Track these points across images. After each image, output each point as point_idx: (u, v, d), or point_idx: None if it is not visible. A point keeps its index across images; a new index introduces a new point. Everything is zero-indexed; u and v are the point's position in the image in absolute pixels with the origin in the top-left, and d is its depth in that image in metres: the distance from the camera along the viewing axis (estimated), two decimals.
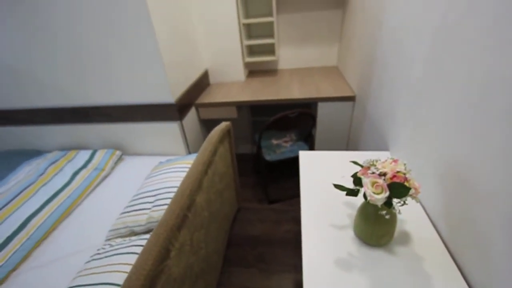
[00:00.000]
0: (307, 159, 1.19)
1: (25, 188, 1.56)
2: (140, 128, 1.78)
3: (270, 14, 2.01)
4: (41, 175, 1.66)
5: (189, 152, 1.84)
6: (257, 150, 1.94)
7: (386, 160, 0.70)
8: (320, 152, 1.24)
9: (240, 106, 1.98)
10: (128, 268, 0.87)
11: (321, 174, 1.09)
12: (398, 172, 0.65)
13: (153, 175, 1.42)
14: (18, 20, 1.47)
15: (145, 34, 1.41)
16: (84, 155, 1.79)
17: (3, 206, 1.44)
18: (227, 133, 1.51)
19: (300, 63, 2.41)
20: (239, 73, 2.23)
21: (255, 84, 2.15)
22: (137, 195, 1.31)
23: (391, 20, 1.15)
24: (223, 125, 1.47)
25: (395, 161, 0.69)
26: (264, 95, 1.91)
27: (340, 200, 0.94)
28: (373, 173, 0.68)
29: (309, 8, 2.13)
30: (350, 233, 0.83)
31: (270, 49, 2.25)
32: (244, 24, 2.05)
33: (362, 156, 1.13)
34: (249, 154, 2.62)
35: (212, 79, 2.27)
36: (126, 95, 1.65)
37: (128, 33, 1.43)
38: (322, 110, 1.85)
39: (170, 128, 1.72)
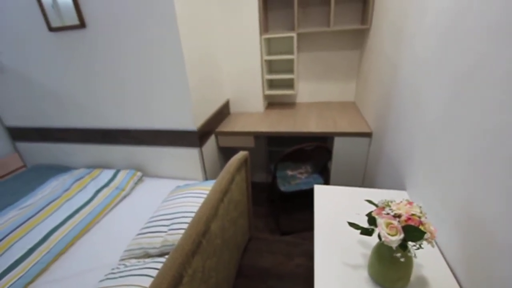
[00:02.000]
0: (322, 193, 1.20)
1: (50, 202, 1.65)
2: (162, 152, 1.87)
3: (291, 52, 2.14)
4: (66, 190, 1.76)
5: (206, 178, 1.90)
6: (272, 180, 1.97)
7: (401, 202, 0.71)
8: (335, 187, 1.25)
9: (257, 136, 2.04)
10: None
11: (336, 209, 1.10)
12: (413, 214, 0.66)
13: (170, 198, 1.47)
14: (64, 51, 1.67)
15: (178, 71, 1.55)
16: (107, 174, 1.89)
17: (29, 219, 1.52)
18: (244, 162, 1.55)
19: (318, 98, 2.49)
20: (259, 105, 2.34)
21: (273, 116, 2.23)
22: (153, 217, 1.35)
23: (406, 65, 1.21)
24: (241, 154, 1.52)
25: (410, 203, 0.70)
26: (282, 127, 1.97)
27: (355, 238, 0.94)
28: (388, 213, 0.69)
29: (329, 48, 2.26)
30: (364, 273, 0.82)
31: (289, 84, 2.36)
32: (266, 60, 2.19)
33: (378, 194, 1.14)
34: (264, 183, 2.64)
35: (232, 108, 2.39)
36: (154, 121, 1.76)
37: (162, 69, 1.57)
38: (338, 145, 1.87)
39: (190, 154, 1.80)
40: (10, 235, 1.41)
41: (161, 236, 1.19)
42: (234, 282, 1.62)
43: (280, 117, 2.18)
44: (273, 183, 1.99)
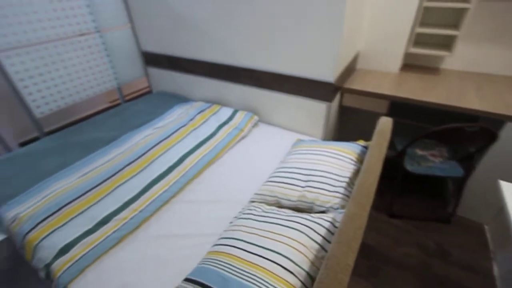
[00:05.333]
0: None
1: (179, 128, 1.77)
2: (284, 99, 1.75)
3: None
4: (191, 120, 1.86)
5: (324, 138, 1.75)
6: (398, 155, 1.70)
7: None
8: None
9: (393, 102, 1.73)
10: (297, 245, 0.84)
11: None
12: None
13: (298, 152, 1.38)
14: None
15: (334, 12, 1.31)
16: (226, 111, 1.91)
17: (164, 139, 1.66)
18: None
19: (474, 67, 1.94)
20: (395, 64, 1.95)
21: (412, 81, 1.84)
22: (283, 168, 1.29)
23: None
24: (388, 120, 1.29)
25: None
26: (431, 96, 1.61)
27: None
28: None
29: None
30: None
31: (445, 43, 1.86)
32: (425, 7, 1.72)
33: None
34: None
35: (360, 64, 2.06)
36: (285, 64, 1.62)
37: (315, 6, 1.34)
38: (509, 133, 1.44)
39: (317, 108, 1.64)
40: (151, 151, 1.56)
41: (298, 191, 1.13)
42: None
43: (422, 84, 1.78)
44: (397, 159, 1.73)
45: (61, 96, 1.93)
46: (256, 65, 1.75)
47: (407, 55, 2.07)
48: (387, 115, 1.87)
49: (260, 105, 1.91)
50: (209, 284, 0.78)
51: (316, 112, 1.66)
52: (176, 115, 1.97)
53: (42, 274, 1.04)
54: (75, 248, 1.04)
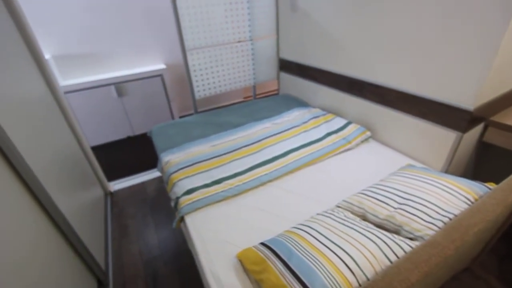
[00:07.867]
0: None
1: (291, 128, 1.97)
2: (404, 120, 1.64)
3: None
4: (304, 123, 2.02)
5: (446, 171, 1.51)
6: None
7: None
8: None
9: None
10: (367, 253, 0.85)
11: None
12: None
13: (403, 175, 1.28)
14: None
15: (489, 26, 1.14)
16: (339, 121, 1.96)
17: (276, 134, 1.91)
18: None
19: None
20: None
21: None
22: (380, 185, 1.25)
23: None
24: None
25: None
26: None
27: None
28: None
29: None
30: None
31: None
32: None
33: None
34: None
35: None
36: (414, 83, 1.52)
37: (462, 21, 1.21)
38: None
39: (443, 136, 1.45)
40: (264, 140, 1.84)
41: (388, 210, 1.08)
42: None
43: None
44: None
45: (214, 86, 2.53)
46: (382, 81, 1.72)
47: None
48: None
49: (376, 122, 1.85)
50: (277, 251, 0.92)
51: (441, 141, 1.46)
52: (293, 116, 2.19)
53: (172, 203, 1.48)
54: (195, 193, 1.42)
